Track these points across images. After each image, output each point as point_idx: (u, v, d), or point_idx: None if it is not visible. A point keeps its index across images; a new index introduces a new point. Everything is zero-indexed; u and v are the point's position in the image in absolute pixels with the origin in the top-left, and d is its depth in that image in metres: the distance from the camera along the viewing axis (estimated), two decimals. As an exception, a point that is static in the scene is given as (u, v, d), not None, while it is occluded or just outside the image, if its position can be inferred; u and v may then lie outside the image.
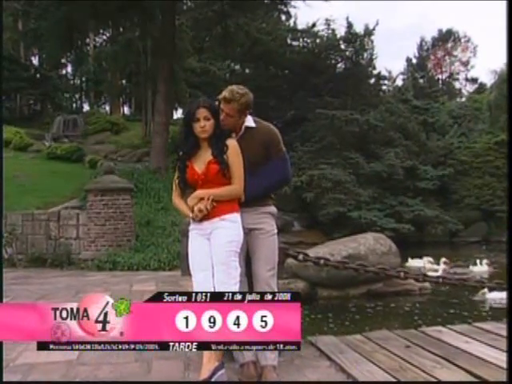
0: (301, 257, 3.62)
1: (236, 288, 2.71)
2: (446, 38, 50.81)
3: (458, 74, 50.94)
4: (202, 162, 2.81)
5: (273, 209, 3.09)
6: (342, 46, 24.75)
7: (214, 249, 2.76)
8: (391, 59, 63.55)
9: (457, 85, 50.02)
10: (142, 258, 8.92)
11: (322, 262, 3.57)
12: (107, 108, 37.33)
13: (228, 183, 2.81)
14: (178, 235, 9.56)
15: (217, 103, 2.92)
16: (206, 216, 2.76)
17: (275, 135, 3.05)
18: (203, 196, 2.76)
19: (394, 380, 2.79)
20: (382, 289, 8.00)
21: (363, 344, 3.49)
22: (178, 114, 35.09)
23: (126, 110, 38.29)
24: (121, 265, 8.75)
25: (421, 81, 34.90)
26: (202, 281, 2.75)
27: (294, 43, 25.68)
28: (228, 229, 2.77)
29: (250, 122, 3.01)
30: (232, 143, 2.84)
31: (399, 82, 33.79)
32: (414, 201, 20.00)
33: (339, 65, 25.59)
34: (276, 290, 2.98)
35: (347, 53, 24.75)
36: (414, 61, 48.94)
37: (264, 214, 3.03)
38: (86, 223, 9.62)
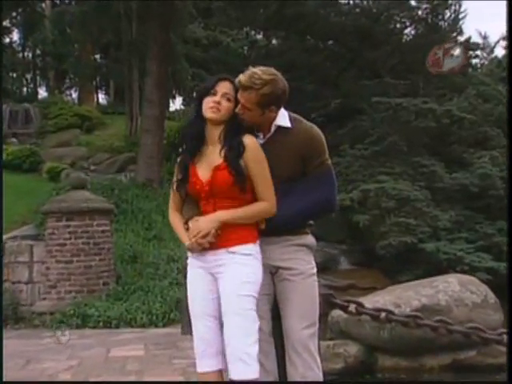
0: (352, 308, 3.64)
1: (255, 350, 2.70)
2: None
3: None
4: (207, 164, 2.83)
5: (310, 239, 3.12)
6: (413, 2, 24.87)
7: (223, 293, 2.78)
8: (487, 19, 63.08)
9: None
10: (124, 309, 9.00)
11: (383, 315, 3.57)
12: (74, 95, 37.96)
13: (250, 198, 2.82)
14: (177, 276, 9.64)
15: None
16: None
17: (319, 142, 3.07)
18: (214, 223, 2.75)
19: None
20: (474, 359, 7.90)
21: None
22: (177, 104, 35.58)
23: (102, 98, 38.99)
24: (94, 320, 8.82)
25: (533, 49, 34.54)
26: (203, 332, 2.79)
27: (342, 1, 25.88)
28: (240, 265, 2.77)
29: (283, 119, 3.03)
30: (250, 141, 2.84)
31: (499, 53, 33.56)
32: (521, 228, 19.76)
33: (407, 30, 25.71)
34: (317, 357, 3.00)
35: (420, 12, 24.80)
36: (524, 19, 48.71)
37: (298, 246, 3.05)
38: (44, 260, 9.74)
